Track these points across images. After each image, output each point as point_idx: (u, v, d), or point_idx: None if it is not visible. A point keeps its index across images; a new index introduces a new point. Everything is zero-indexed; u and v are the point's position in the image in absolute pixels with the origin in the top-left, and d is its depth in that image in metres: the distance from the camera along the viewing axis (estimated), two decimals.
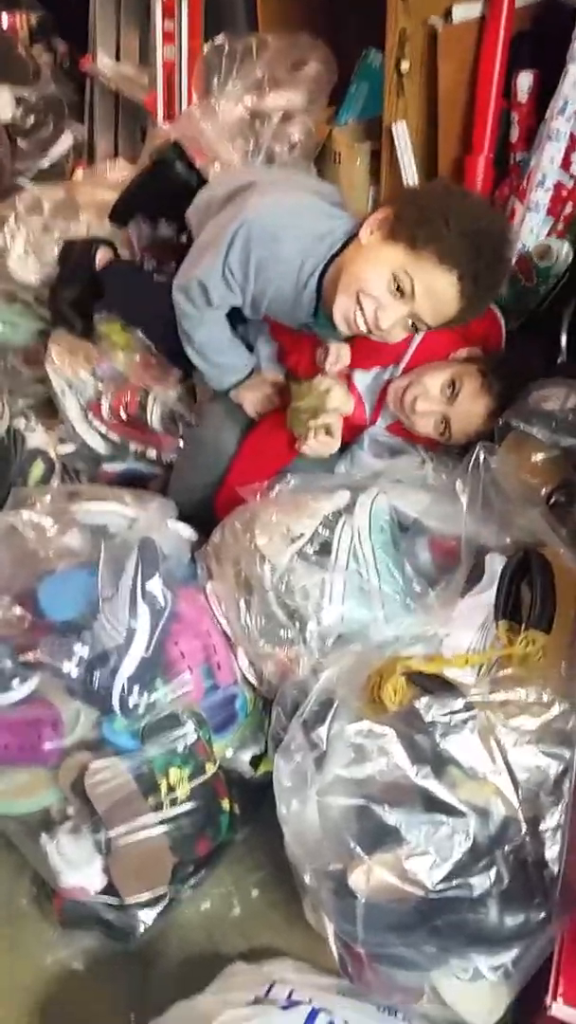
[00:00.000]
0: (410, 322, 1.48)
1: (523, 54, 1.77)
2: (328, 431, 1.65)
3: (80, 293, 2.00)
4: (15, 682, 1.41)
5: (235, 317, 1.70)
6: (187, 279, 1.59)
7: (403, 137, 1.89)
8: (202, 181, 1.91)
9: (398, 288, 1.43)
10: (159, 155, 1.94)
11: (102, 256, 2.00)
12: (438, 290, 1.41)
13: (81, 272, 2.01)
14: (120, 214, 2.05)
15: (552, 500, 1.34)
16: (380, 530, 1.48)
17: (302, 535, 1.50)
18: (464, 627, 1.33)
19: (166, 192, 1.95)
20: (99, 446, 2.03)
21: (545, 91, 1.74)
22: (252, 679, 1.52)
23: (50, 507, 1.55)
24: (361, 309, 1.46)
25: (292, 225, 1.51)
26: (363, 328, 1.49)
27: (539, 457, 1.39)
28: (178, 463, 1.89)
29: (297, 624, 1.45)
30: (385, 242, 1.44)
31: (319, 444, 1.66)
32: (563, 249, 1.70)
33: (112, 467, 2.03)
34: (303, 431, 1.65)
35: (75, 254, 2.04)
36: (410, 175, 1.92)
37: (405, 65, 1.80)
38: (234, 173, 1.86)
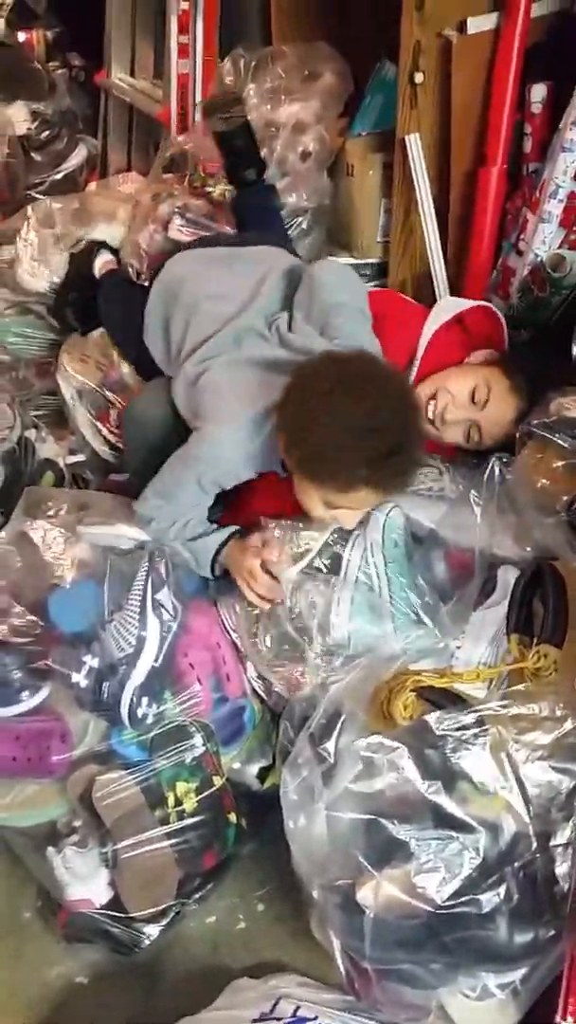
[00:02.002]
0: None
1: (537, 66, 1.77)
2: None
3: (81, 296, 2.02)
4: (24, 694, 1.42)
5: None
6: (157, 498, 1.51)
7: (416, 149, 1.88)
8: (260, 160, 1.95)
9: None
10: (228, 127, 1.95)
11: (103, 264, 2.02)
12: (361, 503, 1.37)
13: (81, 276, 2.02)
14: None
15: (573, 507, 1.33)
16: (394, 544, 1.46)
17: (309, 550, 1.49)
18: (475, 640, 1.32)
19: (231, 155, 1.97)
20: (108, 455, 2.03)
21: (559, 103, 1.73)
22: (261, 692, 1.51)
23: (61, 519, 1.55)
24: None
25: (238, 457, 1.47)
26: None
27: (560, 464, 1.38)
28: (125, 457, 1.87)
29: (306, 639, 1.44)
30: (296, 476, 1.38)
31: None
32: None
33: (120, 476, 2.03)
34: None
35: (78, 259, 2.05)
36: (423, 187, 1.92)
37: (419, 77, 1.80)
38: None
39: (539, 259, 1.77)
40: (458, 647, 1.34)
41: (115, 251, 2.07)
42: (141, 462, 1.71)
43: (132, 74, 2.69)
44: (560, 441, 1.35)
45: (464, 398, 1.61)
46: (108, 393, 2.00)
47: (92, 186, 2.71)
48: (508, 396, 1.60)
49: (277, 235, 1.92)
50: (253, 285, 1.59)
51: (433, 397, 1.63)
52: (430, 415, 1.64)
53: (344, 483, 1.31)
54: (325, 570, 1.47)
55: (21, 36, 3.04)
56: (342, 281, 1.50)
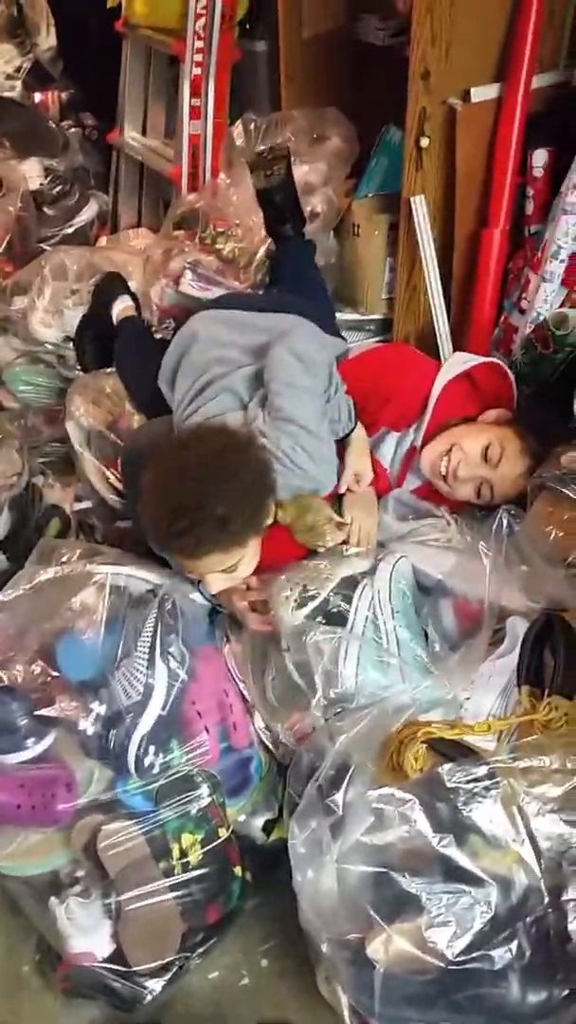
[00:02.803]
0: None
1: (538, 133, 1.84)
2: (338, 525, 1.62)
3: (98, 337, 2.05)
4: (30, 741, 1.40)
5: None
6: None
7: (421, 210, 1.94)
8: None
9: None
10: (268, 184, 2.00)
11: (121, 310, 2.05)
12: (196, 569, 1.39)
13: (100, 317, 2.05)
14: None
15: None
16: (402, 595, 1.48)
17: (316, 595, 1.50)
18: (486, 692, 1.32)
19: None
20: (115, 502, 2.04)
21: (560, 167, 1.80)
22: (268, 742, 1.50)
23: (72, 565, 1.55)
24: None
25: None
26: None
27: (572, 516, 1.40)
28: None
29: (312, 687, 1.44)
30: None
31: (340, 534, 1.62)
32: None
33: (127, 523, 2.04)
34: (321, 538, 1.59)
35: (99, 294, 2.09)
36: (427, 246, 1.97)
37: (424, 142, 1.87)
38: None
39: (541, 317, 1.82)
40: (467, 698, 1.35)
41: (134, 296, 2.09)
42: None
43: (144, 133, 2.77)
44: (572, 494, 1.37)
45: (476, 456, 1.64)
46: (116, 439, 2.02)
47: (103, 241, 2.77)
48: (520, 457, 1.63)
49: (309, 292, 1.94)
50: (257, 356, 1.61)
51: (447, 453, 1.66)
52: (442, 471, 1.67)
53: (155, 546, 1.38)
54: (331, 620, 1.48)
55: (37, 97, 3.13)
56: (279, 358, 1.51)
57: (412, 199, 1.95)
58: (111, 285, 2.07)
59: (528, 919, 1.13)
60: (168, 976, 1.38)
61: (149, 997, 1.38)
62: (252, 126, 2.25)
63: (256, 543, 1.42)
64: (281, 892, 1.32)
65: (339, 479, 1.61)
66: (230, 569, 1.39)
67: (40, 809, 1.36)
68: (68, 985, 1.42)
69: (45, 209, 2.85)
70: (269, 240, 2.08)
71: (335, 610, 1.49)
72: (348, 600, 1.49)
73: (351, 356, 1.83)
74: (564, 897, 1.15)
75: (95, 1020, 1.42)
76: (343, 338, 1.92)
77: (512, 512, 1.44)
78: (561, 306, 1.85)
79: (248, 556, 1.41)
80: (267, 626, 1.50)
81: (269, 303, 1.80)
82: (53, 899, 1.37)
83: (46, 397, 2.33)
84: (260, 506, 1.37)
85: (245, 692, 1.50)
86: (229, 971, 1.47)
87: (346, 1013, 1.21)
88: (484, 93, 1.84)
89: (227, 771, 1.45)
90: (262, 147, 2.16)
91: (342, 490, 1.63)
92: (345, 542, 1.63)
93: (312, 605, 1.49)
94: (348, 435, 1.64)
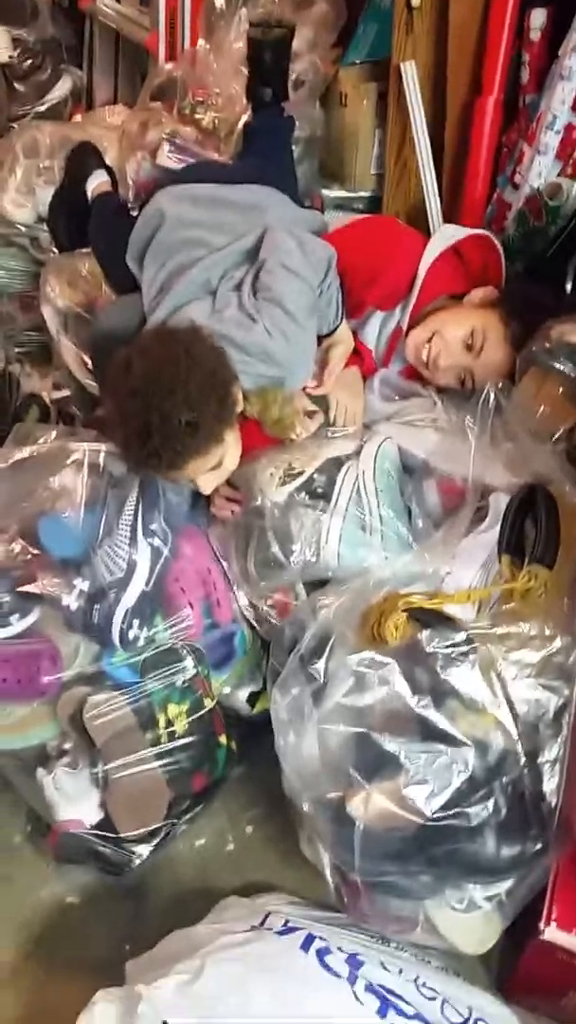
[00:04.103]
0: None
1: None
2: (309, 414, 1.59)
3: (73, 214, 1.93)
4: (14, 617, 1.41)
5: None
6: None
7: (411, 77, 1.85)
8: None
9: None
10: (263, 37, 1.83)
11: (97, 185, 1.94)
12: (174, 479, 1.39)
13: (74, 193, 1.94)
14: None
15: (573, 434, 1.33)
16: (387, 475, 1.46)
17: (302, 472, 1.49)
18: (466, 565, 1.32)
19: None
20: (94, 389, 2.00)
21: (558, 29, 1.70)
22: (251, 619, 1.51)
23: (51, 445, 1.53)
24: None
25: None
26: None
27: (561, 391, 1.37)
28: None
29: (295, 563, 1.44)
30: None
31: (313, 424, 1.59)
32: (573, 188, 1.67)
33: None
34: (291, 430, 1.55)
35: (72, 168, 1.96)
36: (417, 117, 1.88)
37: (416, 1, 1.76)
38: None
39: (536, 188, 1.75)
40: (448, 573, 1.35)
41: (110, 170, 1.98)
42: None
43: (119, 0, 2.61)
44: (561, 367, 1.35)
45: (458, 345, 1.60)
46: None
47: (78, 118, 2.65)
48: (502, 344, 1.58)
49: (277, 168, 1.82)
50: (231, 238, 1.53)
51: (428, 341, 1.63)
52: (424, 358, 1.64)
53: (137, 472, 1.38)
54: (315, 498, 1.47)
55: None
56: (280, 240, 1.45)
57: (402, 65, 1.85)
58: (85, 158, 1.96)
59: (504, 779, 1.16)
60: (155, 842, 1.43)
61: (137, 862, 1.42)
62: None
63: (233, 434, 1.40)
64: (266, 762, 1.35)
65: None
66: (216, 466, 1.38)
67: (25, 683, 1.38)
68: (59, 852, 1.45)
69: (16, 85, 2.71)
70: (250, 110, 1.98)
71: (319, 489, 1.48)
72: (332, 480, 1.49)
73: (334, 229, 1.76)
74: (540, 759, 1.18)
75: (86, 884, 1.47)
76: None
77: (500, 387, 1.42)
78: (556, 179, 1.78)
79: (230, 448, 1.39)
80: (228, 511, 1.51)
81: (239, 174, 1.71)
82: (40, 770, 1.40)
83: (20, 282, 2.26)
84: (224, 397, 1.33)
85: (227, 571, 1.50)
86: (215, 837, 1.52)
87: (328, 871, 1.25)
88: None
89: (211, 645, 1.47)
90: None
91: (311, 389, 1.58)
92: (330, 423, 1.61)
93: (297, 483, 1.48)
94: (331, 333, 1.59)
